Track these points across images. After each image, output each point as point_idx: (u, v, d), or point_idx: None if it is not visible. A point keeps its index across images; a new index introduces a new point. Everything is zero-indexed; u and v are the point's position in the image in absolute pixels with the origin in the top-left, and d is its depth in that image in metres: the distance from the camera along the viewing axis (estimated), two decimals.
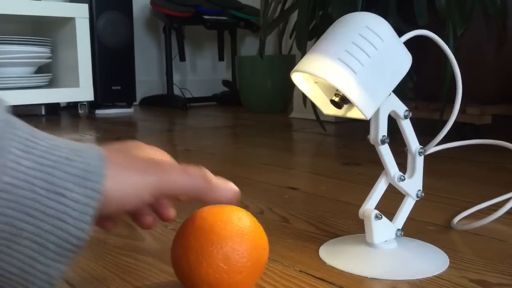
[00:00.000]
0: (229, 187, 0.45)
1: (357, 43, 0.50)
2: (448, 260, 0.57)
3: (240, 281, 0.44)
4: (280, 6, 1.63)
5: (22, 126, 0.34)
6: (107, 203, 0.36)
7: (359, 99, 0.49)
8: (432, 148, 0.60)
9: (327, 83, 0.51)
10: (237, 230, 0.45)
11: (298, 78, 0.55)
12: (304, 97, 1.59)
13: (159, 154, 0.46)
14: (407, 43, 0.53)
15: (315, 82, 0.56)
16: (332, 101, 0.53)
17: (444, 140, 0.60)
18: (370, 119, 0.54)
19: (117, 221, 0.47)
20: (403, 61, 0.52)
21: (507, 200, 0.70)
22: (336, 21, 0.54)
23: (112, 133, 1.76)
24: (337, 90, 0.52)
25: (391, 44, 0.51)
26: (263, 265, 0.47)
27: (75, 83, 2.28)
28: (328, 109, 0.56)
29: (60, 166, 0.34)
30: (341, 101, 0.53)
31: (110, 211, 0.38)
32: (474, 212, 0.74)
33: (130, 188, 0.38)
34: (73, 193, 0.34)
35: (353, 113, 0.54)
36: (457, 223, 0.69)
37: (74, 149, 0.36)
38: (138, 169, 0.39)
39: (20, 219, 0.33)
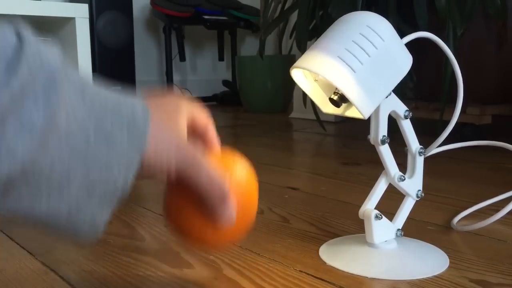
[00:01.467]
0: (233, 215, 0.42)
1: (358, 42, 0.50)
2: (448, 260, 0.57)
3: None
4: (280, 6, 1.63)
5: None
6: (144, 158, 0.36)
7: (358, 98, 0.49)
8: (433, 150, 0.60)
9: (327, 81, 0.51)
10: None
11: (298, 75, 0.55)
12: (304, 97, 1.59)
13: (199, 119, 0.45)
14: (407, 43, 0.53)
15: (315, 80, 0.56)
16: (331, 100, 0.53)
17: (445, 140, 0.60)
18: (370, 119, 0.54)
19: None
20: (403, 61, 0.52)
21: (506, 200, 0.70)
22: (338, 19, 0.54)
23: None
24: (336, 88, 0.52)
25: (392, 44, 0.51)
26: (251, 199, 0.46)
27: None
28: (327, 108, 0.56)
29: (110, 113, 0.35)
30: (340, 99, 0.53)
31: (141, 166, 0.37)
32: (474, 212, 0.74)
33: (162, 155, 0.37)
34: (122, 140, 0.35)
35: (352, 112, 0.54)
36: (457, 223, 0.69)
37: (121, 98, 0.36)
38: (175, 142, 0.38)
39: (73, 165, 0.33)
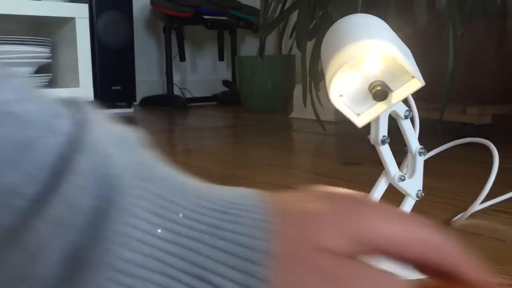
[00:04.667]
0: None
1: None
2: None
3: None
4: (280, 6, 1.63)
5: (160, 173, 0.24)
6: None
7: (412, 68, 0.49)
8: (431, 152, 0.60)
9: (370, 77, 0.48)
10: None
11: (333, 91, 0.49)
12: (304, 97, 1.59)
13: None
14: (407, 44, 0.53)
15: (340, 96, 0.51)
16: (376, 93, 0.48)
17: (443, 140, 0.60)
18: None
19: None
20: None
21: (507, 201, 0.70)
22: (332, 26, 0.53)
23: None
24: (372, 82, 0.49)
25: None
26: None
27: (75, 83, 2.28)
28: (360, 119, 0.51)
29: (207, 238, 0.22)
30: (384, 89, 0.48)
31: None
32: (474, 212, 0.74)
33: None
34: (225, 279, 0.22)
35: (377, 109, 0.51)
36: (457, 223, 0.69)
37: (228, 206, 0.23)
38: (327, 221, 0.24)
39: None
